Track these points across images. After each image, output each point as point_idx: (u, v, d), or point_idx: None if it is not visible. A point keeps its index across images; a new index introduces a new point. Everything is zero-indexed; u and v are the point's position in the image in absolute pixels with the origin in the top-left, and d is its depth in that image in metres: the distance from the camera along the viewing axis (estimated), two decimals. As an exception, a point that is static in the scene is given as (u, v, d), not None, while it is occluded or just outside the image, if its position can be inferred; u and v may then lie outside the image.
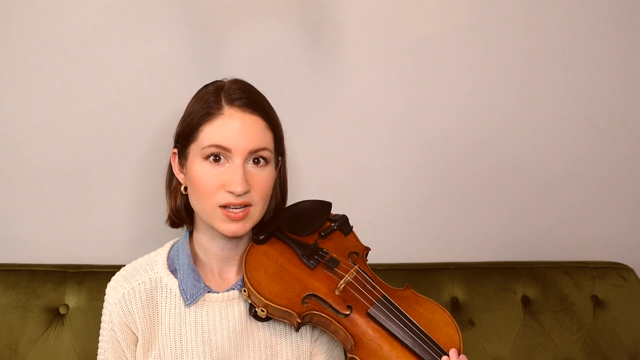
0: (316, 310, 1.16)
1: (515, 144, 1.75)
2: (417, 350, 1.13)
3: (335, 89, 1.64)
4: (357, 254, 1.29)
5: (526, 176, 1.77)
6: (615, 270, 1.73)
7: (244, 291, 1.20)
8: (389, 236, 1.72)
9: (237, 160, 1.14)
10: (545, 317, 1.65)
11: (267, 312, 1.17)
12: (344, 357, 1.33)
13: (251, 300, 1.19)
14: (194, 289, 1.22)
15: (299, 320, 1.15)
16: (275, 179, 1.26)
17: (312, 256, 1.23)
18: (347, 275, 1.19)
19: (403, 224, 1.75)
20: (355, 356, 1.12)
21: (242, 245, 1.26)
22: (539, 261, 1.74)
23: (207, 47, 1.57)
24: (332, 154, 1.68)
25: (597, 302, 1.69)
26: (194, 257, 1.26)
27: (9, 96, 1.54)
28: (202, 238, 1.25)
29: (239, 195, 1.13)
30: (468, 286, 1.66)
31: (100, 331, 1.25)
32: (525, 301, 1.67)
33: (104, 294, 1.24)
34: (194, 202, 1.20)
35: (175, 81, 1.55)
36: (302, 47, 1.60)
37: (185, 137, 1.19)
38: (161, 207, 1.34)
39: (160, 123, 1.54)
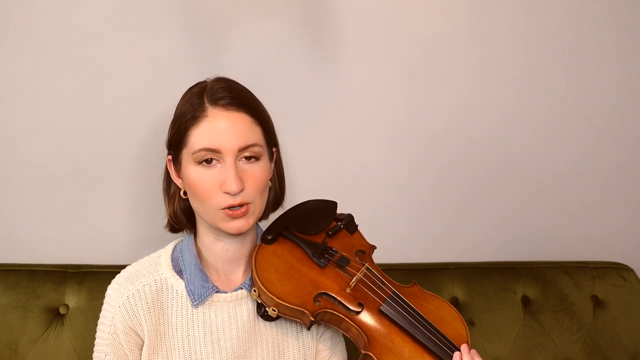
0: (328, 309, 1.16)
1: (515, 143, 1.75)
2: (429, 345, 1.14)
3: (335, 89, 1.64)
4: (363, 252, 1.30)
5: (526, 176, 1.77)
6: (615, 270, 1.72)
7: (254, 291, 1.19)
8: (388, 236, 1.71)
9: (228, 160, 1.13)
10: (545, 317, 1.65)
11: (279, 311, 1.17)
12: (345, 352, 1.34)
13: (262, 300, 1.19)
14: (202, 289, 1.21)
15: (312, 319, 1.15)
16: (272, 171, 1.25)
17: (323, 255, 1.23)
18: (358, 274, 1.20)
19: (403, 224, 1.75)
20: (369, 352, 1.13)
21: (248, 245, 1.26)
22: (539, 261, 1.74)
23: (207, 47, 1.57)
24: (332, 154, 1.68)
25: (597, 302, 1.69)
26: (200, 257, 1.25)
27: (9, 96, 1.54)
28: (206, 240, 1.24)
29: (235, 195, 1.13)
30: (468, 286, 1.66)
31: (98, 334, 1.22)
32: (525, 301, 1.67)
33: (104, 294, 1.22)
34: (195, 205, 1.20)
35: (176, 81, 1.53)
36: (302, 47, 1.60)
37: (176, 143, 1.19)
38: (161, 206, 1.34)
39: (160, 122, 1.53)
